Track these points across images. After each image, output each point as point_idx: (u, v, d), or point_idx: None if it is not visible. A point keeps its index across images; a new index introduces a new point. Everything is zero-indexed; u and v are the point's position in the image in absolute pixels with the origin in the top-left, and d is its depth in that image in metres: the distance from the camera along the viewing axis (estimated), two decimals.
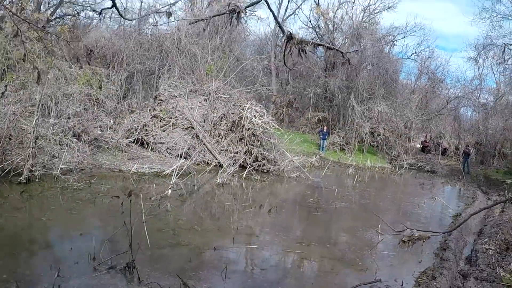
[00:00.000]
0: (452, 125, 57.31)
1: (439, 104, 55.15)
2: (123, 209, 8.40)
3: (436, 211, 19.74)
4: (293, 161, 24.92)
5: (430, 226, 16.09)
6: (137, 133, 22.96)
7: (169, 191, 15.34)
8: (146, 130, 23.24)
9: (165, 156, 22.13)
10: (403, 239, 11.68)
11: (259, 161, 22.99)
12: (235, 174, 20.63)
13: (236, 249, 10.93)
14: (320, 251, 11.53)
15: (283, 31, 13.29)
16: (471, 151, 40.20)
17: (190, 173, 18.92)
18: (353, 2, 49.11)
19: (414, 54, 56.96)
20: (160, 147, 22.57)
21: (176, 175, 17.16)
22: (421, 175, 34.55)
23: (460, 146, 49.52)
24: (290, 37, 12.06)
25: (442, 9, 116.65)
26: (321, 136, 35.94)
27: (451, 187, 30.42)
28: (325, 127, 37.52)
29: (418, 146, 52.01)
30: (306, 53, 12.57)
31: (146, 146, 22.91)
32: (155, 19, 44.59)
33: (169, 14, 14.03)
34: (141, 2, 67.04)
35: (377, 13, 48.77)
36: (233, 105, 24.35)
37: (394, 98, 42.45)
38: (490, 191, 27.41)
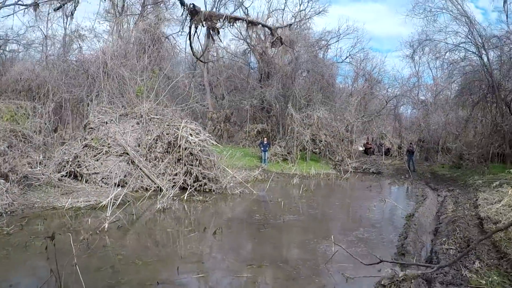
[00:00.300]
0: (393, 124, 58.29)
1: (378, 105, 56.04)
2: (49, 254, 7.82)
3: (388, 214, 19.68)
4: (235, 177, 24.55)
5: (384, 230, 16.07)
6: (69, 165, 21.87)
7: (106, 224, 14.47)
8: (78, 161, 22.21)
9: (101, 186, 21.16)
10: (382, 282, 9.97)
11: (200, 181, 22.39)
12: (175, 198, 19.96)
13: (182, 281, 10.27)
14: (273, 272, 11.00)
15: (182, 4, 11.13)
16: (415, 148, 40.79)
17: (128, 201, 18.13)
18: (283, 10, 49.67)
19: (349, 57, 57.36)
20: (95, 178, 21.59)
21: (114, 205, 16.23)
22: (367, 177, 34.89)
23: (402, 145, 50.34)
24: (194, 12, 10.25)
25: (373, 11, 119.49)
26: (262, 148, 35.83)
27: (399, 186, 30.61)
28: (265, 139, 37.48)
29: (361, 148, 52.29)
30: (218, 32, 10.90)
31: (80, 178, 21.88)
32: (79, 44, 43.96)
33: (35, 6, 13.08)
34: None
35: (308, 18, 48.88)
36: (167, 125, 23.66)
37: (332, 103, 42.44)
38: (439, 187, 27.66)
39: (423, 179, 33.49)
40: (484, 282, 9.87)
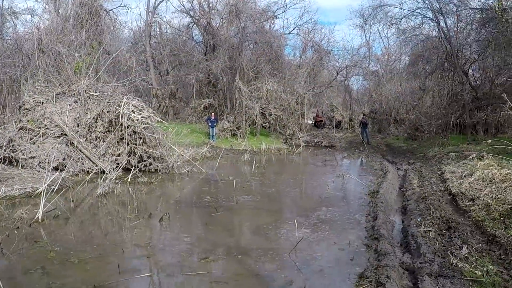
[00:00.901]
0: (343, 96, 57.93)
1: (328, 76, 55.52)
2: None
3: (349, 190, 18.50)
4: (183, 155, 23.25)
5: (348, 209, 14.97)
6: (3, 151, 20.38)
7: (40, 214, 12.67)
8: (13, 145, 20.26)
9: (39, 171, 19.22)
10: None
11: (145, 161, 20.97)
12: (118, 180, 18.34)
13: (123, 283, 8.53)
14: (231, 267, 9.44)
15: None
16: (368, 120, 40.46)
17: (67, 186, 16.67)
18: None
19: (297, 28, 55.82)
20: (31, 162, 19.61)
21: (51, 192, 14.52)
22: (320, 151, 33.96)
23: (353, 117, 49.97)
24: None
25: None
26: (210, 124, 34.46)
27: (354, 160, 29.78)
28: (213, 114, 35.81)
29: (310, 122, 51.72)
30: None
31: (15, 164, 20.00)
32: (13, 22, 42.02)
33: None
34: None
35: None
36: (108, 102, 21.73)
37: (282, 75, 41.31)
38: (397, 160, 27.06)
39: (379, 151, 32.72)
40: (479, 273, 8.61)
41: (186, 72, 45.67)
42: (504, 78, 31.36)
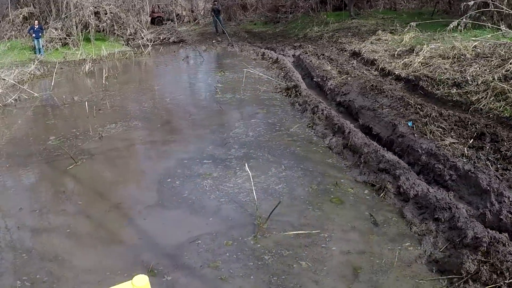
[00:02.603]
0: None
1: None
2: None
3: (261, 88, 13.35)
4: (5, 79, 16.46)
5: (288, 116, 10.30)
6: None
7: None
8: None
9: None
10: None
11: None
12: None
13: None
14: None
15: None
16: (220, 7, 34.21)
17: None
18: None
19: None
20: None
21: None
22: (171, 48, 27.39)
23: (194, 8, 44.04)
24: None
25: None
26: (34, 36, 26.59)
27: (220, 52, 23.87)
28: (36, 22, 28.02)
29: (148, 18, 44.01)
30: None
31: None
32: None
33: None
34: None
35: None
36: None
37: None
38: (274, 46, 21.63)
39: (243, 39, 26.91)
40: None
41: None
42: None
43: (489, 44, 11.93)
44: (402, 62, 12.48)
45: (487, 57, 10.85)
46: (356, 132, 8.17)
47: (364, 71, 12.98)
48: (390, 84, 11.23)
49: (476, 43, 11.97)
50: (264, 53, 19.55)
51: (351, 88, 11.21)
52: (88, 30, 28.70)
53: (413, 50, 13.19)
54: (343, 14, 25.77)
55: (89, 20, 28.06)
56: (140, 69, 21.23)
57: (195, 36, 31.93)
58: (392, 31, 17.18)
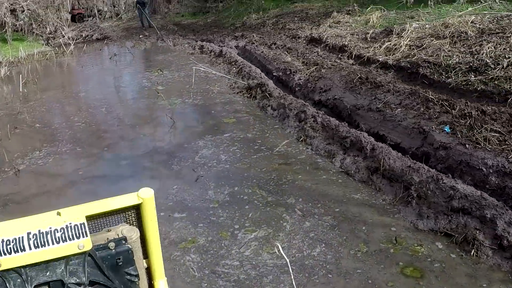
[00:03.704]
0: None
1: None
2: None
3: (206, 91, 10.40)
4: None
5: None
6: None
7: None
8: None
9: None
10: None
11: None
12: None
13: None
14: None
15: None
16: None
17: None
18: None
19: None
20: None
21: None
22: (95, 46, 23.80)
23: (115, 2, 40.58)
24: None
25: None
26: None
27: (151, 47, 20.77)
28: None
29: (68, 16, 40.23)
30: None
31: None
32: None
33: None
34: None
35: None
36: None
37: None
38: (212, 38, 18.69)
39: (173, 32, 23.89)
40: None
41: None
42: None
43: (488, 17, 9.69)
44: (384, 46, 10.04)
45: (497, 33, 8.55)
46: (386, 150, 5.63)
47: (336, 60, 10.49)
48: (380, 75, 8.81)
49: (472, 17, 9.70)
50: (203, 46, 16.69)
51: (331, 83, 8.69)
52: (4, 30, 25.07)
53: (392, 31, 10.76)
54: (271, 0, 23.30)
55: (5, 19, 24.42)
56: (64, 71, 17.99)
57: (120, 32, 28.56)
58: (349, 12, 14.76)
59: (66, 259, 1.64)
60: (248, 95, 9.55)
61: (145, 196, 1.80)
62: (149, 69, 14.37)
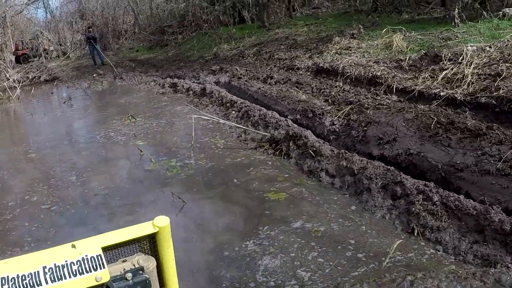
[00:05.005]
0: (45, 17, 43.51)
1: None
2: None
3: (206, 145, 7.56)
4: None
5: None
6: None
7: None
8: None
9: None
10: None
11: None
12: None
13: None
14: None
15: None
16: (96, 34, 27.52)
17: None
18: None
19: None
20: None
21: None
22: (44, 88, 21.04)
23: (61, 41, 37.39)
24: None
25: None
26: None
27: (110, 87, 17.54)
28: None
29: (12, 58, 36.52)
30: None
31: None
32: None
33: None
34: None
35: None
36: None
37: None
38: (181, 74, 15.85)
39: (130, 69, 20.82)
40: None
41: None
42: None
43: None
44: (441, 76, 7.38)
45: None
46: None
47: (372, 96, 7.81)
48: (465, 118, 6.11)
49: None
50: (175, 83, 13.74)
51: (393, 130, 6.08)
52: None
53: (437, 56, 8.21)
54: (249, 27, 20.57)
55: None
56: (10, 121, 14.66)
57: (70, 72, 25.36)
58: (354, 35, 12.08)
59: None
60: (274, 151, 6.68)
61: (161, 225, 1.71)
62: (115, 116, 11.29)
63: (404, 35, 10.46)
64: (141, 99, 13.31)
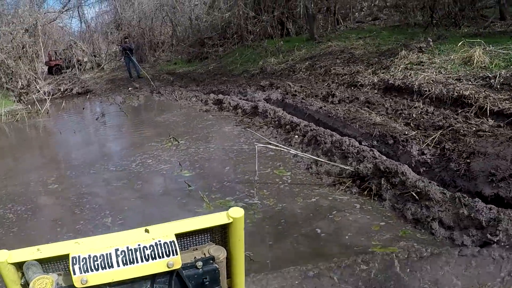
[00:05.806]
0: (80, 27, 43.05)
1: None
2: None
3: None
4: None
5: None
6: None
7: None
8: None
9: None
10: None
11: None
12: None
13: None
14: None
15: None
16: (133, 45, 26.69)
17: None
18: None
19: None
20: None
21: None
22: (77, 102, 20.23)
23: (95, 52, 36.84)
24: None
25: None
26: None
27: (147, 102, 16.83)
28: None
29: (44, 68, 35.88)
30: None
31: None
32: None
33: None
34: None
35: None
36: None
37: None
38: (224, 89, 14.81)
39: (168, 83, 20.01)
40: None
41: None
42: None
43: None
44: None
45: None
46: None
47: (461, 120, 6.67)
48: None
49: None
50: (220, 100, 12.75)
51: (507, 164, 4.98)
52: None
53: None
54: (295, 40, 19.53)
55: None
56: (35, 140, 13.62)
57: (104, 84, 24.63)
58: (422, 49, 10.90)
59: (153, 277, 1.61)
60: (360, 190, 5.52)
61: (236, 216, 1.69)
62: (154, 137, 10.21)
63: (484, 49, 9.27)
64: (182, 117, 12.28)
